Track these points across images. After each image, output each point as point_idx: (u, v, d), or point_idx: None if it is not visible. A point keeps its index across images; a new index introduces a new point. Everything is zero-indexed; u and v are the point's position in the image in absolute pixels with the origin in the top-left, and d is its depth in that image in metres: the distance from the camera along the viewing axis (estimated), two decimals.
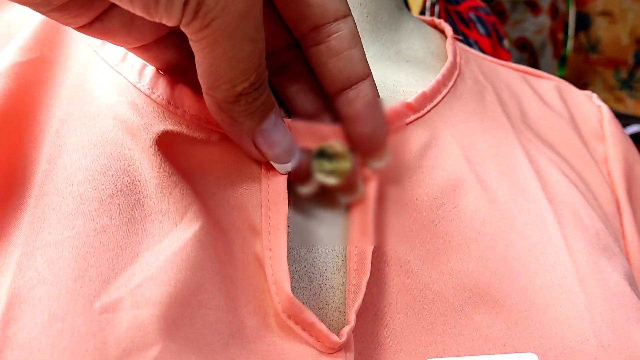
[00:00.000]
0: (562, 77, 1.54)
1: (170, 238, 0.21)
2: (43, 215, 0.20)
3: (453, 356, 0.23)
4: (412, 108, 0.28)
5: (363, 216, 0.24)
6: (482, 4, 0.89)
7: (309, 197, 0.25)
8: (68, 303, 0.18)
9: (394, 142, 0.26)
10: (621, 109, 1.48)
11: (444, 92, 0.30)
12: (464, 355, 0.23)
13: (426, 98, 0.29)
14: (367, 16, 0.31)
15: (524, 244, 0.25)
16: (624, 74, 1.47)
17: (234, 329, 0.20)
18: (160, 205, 0.22)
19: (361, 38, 0.23)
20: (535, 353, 0.22)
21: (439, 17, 0.85)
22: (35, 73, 0.25)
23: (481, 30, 0.88)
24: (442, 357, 0.23)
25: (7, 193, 0.21)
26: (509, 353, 0.22)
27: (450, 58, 0.32)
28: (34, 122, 0.24)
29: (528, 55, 1.45)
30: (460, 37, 0.35)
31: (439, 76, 0.30)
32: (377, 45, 0.31)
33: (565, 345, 0.22)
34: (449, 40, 0.33)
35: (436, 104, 0.29)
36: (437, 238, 0.25)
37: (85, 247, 0.20)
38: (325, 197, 0.25)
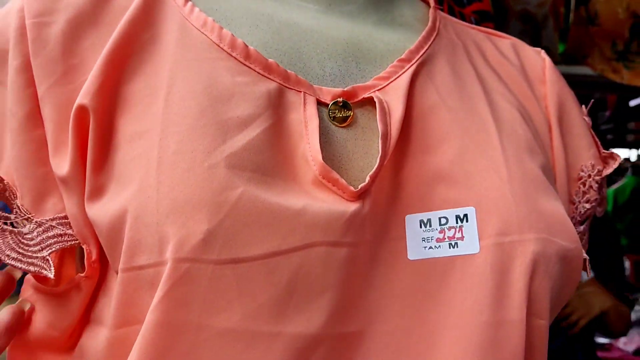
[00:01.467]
0: (563, 49, 1.63)
1: (248, 131, 0.34)
2: (169, 117, 0.34)
3: (424, 212, 0.36)
4: (404, 60, 0.41)
5: (385, 126, 0.36)
6: (488, 8, 0.95)
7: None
8: (190, 162, 0.32)
9: (398, 84, 0.39)
10: (617, 79, 1.58)
11: (425, 47, 0.42)
12: (431, 211, 0.36)
13: (412, 52, 0.41)
14: None
15: (473, 145, 0.38)
16: (620, 46, 1.56)
17: (290, 181, 0.33)
18: (237, 112, 0.34)
19: (367, 8, 0.35)
20: (473, 207, 0.35)
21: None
22: (144, 35, 0.38)
23: None
24: (416, 213, 0.36)
25: (150, 98, 0.35)
26: (458, 208, 0.36)
27: (430, 23, 0.44)
28: (151, 63, 0.37)
29: (530, 27, 1.55)
30: (441, 7, 0.48)
31: (420, 38, 0.42)
32: (379, 14, 0.44)
33: (493, 201, 0.35)
34: (431, 10, 0.46)
35: (421, 56, 0.42)
36: (415, 142, 0.38)
37: (194, 134, 0.33)
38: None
